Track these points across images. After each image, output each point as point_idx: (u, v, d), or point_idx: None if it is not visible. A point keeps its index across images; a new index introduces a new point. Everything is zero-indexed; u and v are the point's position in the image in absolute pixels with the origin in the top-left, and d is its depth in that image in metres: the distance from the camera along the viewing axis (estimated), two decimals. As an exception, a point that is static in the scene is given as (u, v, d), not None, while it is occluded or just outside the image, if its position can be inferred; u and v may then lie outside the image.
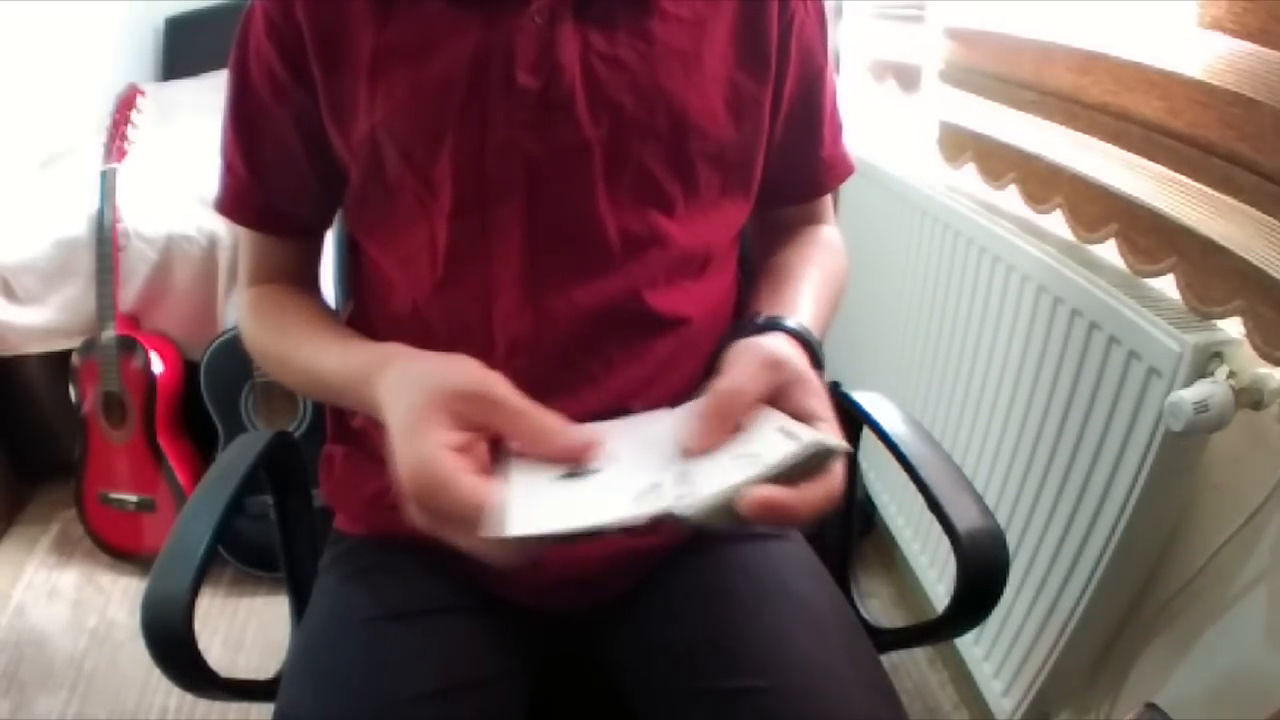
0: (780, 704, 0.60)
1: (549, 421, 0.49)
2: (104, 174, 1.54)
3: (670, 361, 0.66)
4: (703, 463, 0.48)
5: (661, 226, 0.63)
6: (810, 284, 0.69)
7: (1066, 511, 0.98)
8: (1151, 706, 0.93)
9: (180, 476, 1.57)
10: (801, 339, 0.60)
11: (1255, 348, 0.76)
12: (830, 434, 0.48)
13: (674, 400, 0.59)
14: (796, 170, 0.73)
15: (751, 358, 0.54)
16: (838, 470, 0.47)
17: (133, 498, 1.60)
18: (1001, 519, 1.12)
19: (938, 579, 1.32)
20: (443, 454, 0.46)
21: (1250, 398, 0.79)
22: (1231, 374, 0.79)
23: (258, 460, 0.73)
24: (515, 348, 0.62)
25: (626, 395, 0.65)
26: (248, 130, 0.66)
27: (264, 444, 0.75)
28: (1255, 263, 0.75)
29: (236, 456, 0.73)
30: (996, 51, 1.16)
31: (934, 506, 0.68)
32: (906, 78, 1.52)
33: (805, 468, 0.45)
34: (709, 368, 0.58)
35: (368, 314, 0.72)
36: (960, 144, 1.27)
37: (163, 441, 1.57)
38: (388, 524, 0.66)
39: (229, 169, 0.68)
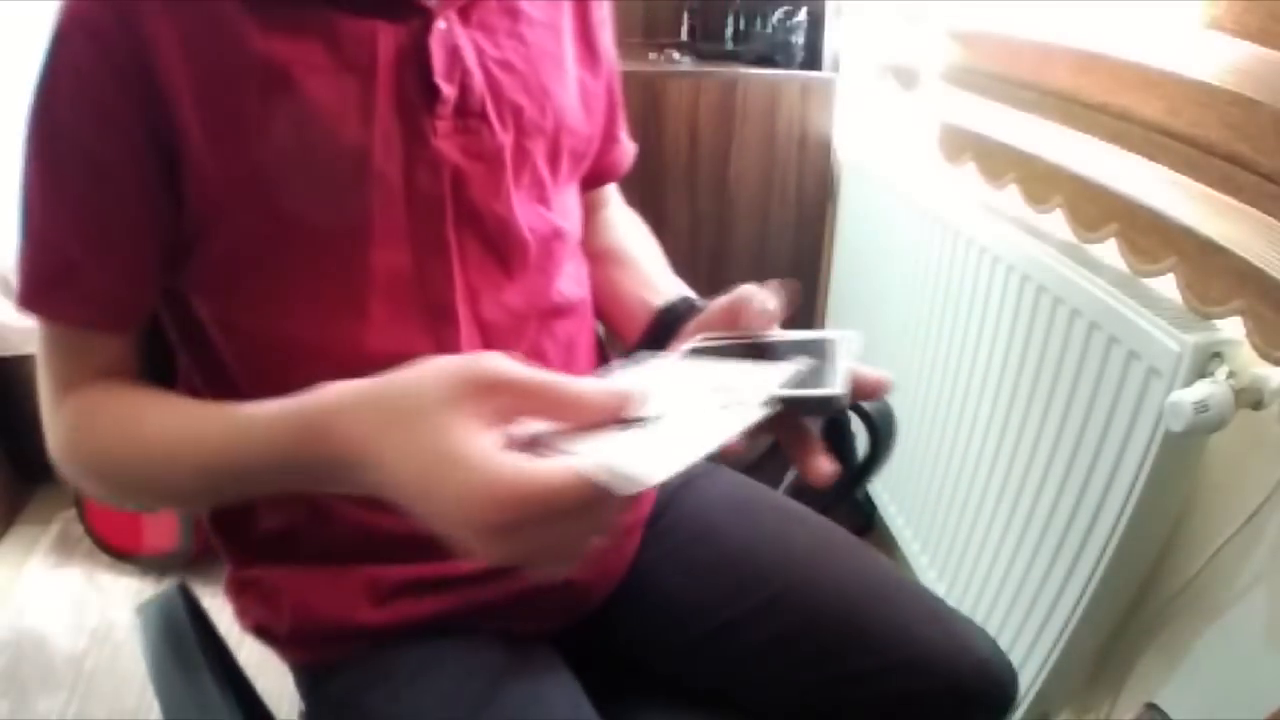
0: (808, 596, 0.67)
1: (574, 387, 0.40)
2: (104, 174, 1.54)
3: (579, 342, 0.70)
4: (741, 373, 0.48)
5: (548, 219, 0.65)
6: (662, 263, 0.79)
7: (1066, 511, 0.98)
8: (1151, 706, 0.93)
9: (180, 476, 1.57)
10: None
11: (1255, 348, 0.76)
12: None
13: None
14: (608, 155, 0.79)
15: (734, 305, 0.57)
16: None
17: (133, 498, 1.59)
18: (1001, 518, 1.12)
19: (937, 578, 1.32)
20: (508, 460, 0.37)
21: (1250, 398, 0.79)
22: (1231, 374, 0.79)
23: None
24: None
25: None
26: (67, 190, 0.52)
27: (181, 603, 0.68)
28: (1255, 263, 0.75)
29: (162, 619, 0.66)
30: (997, 52, 1.16)
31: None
32: (906, 78, 1.52)
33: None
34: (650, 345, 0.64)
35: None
36: (960, 144, 1.27)
37: (163, 441, 1.56)
38: (400, 613, 0.62)
39: (40, 246, 0.53)
